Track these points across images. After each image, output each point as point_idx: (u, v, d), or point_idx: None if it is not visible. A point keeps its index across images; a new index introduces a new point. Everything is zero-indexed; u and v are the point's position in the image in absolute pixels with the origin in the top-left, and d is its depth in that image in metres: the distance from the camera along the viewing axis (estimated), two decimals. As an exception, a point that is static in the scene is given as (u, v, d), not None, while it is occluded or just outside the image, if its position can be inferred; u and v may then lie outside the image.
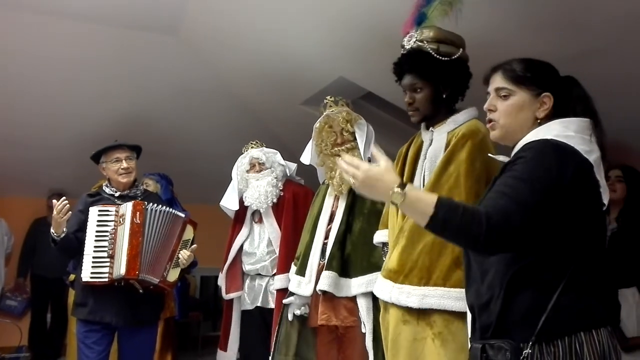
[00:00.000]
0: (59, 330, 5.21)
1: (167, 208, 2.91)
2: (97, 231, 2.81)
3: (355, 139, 2.75)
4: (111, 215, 2.83)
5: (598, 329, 1.31)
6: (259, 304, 3.26)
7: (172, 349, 4.02)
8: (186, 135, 4.96)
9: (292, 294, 2.78)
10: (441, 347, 1.89)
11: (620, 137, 2.81)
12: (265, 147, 3.43)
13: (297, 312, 2.74)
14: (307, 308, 2.74)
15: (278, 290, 3.11)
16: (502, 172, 1.44)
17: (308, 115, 3.99)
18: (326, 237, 2.74)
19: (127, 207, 2.81)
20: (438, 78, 2.05)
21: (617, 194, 2.82)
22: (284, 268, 3.12)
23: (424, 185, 2.06)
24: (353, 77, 3.54)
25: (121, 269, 2.72)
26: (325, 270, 2.62)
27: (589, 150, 1.38)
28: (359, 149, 2.72)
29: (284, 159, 3.41)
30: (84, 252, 2.78)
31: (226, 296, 3.37)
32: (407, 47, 2.09)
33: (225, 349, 3.38)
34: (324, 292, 2.59)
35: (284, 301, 2.83)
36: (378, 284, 2.16)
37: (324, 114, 2.80)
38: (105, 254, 2.77)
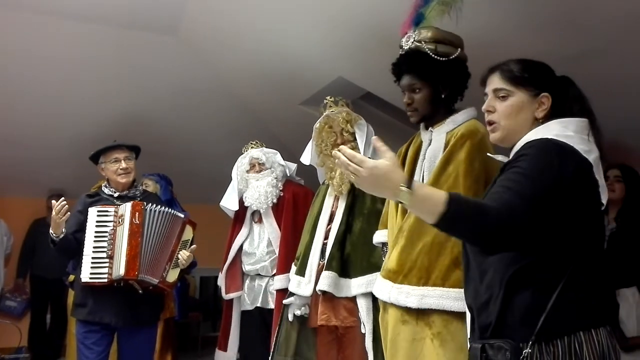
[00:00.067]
0: (59, 330, 5.21)
1: (166, 208, 2.91)
2: (96, 232, 2.81)
3: (355, 139, 2.75)
4: (110, 215, 2.83)
5: (597, 329, 1.31)
6: (258, 305, 3.25)
7: (172, 349, 4.02)
8: (186, 135, 4.96)
9: (292, 294, 2.78)
10: (440, 347, 1.89)
11: (620, 137, 2.82)
12: (265, 147, 3.43)
13: (297, 312, 2.74)
14: (307, 308, 2.74)
15: (278, 291, 3.11)
16: (502, 172, 1.44)
17: (307, 115, 3.99)
18: (326, 237, 2.74)
19: (126, 208, 2.81)
20: (436, 78, 2.05)
21: (616, 194, 2.82)
22: (283, 268, 3.12)
23: (423, 186, 2.06)
24: (352, 77, 3.54)
25: (120, 269, 2.72)
26: (325, 270, 2.62)
27: (588, 150, 1.38)
28: (359, 149, 2.72)
29: (283, 159, 3.41)
30: (83, 253, 2.78)
31: (226, 296, 3.37)
32: (405, 47, 2.09)
33: (223, 349, 3.38)
34: (324, 292, 2.59)
35: (284, 301, 2.83)
36: (377, 284, 2.16)
37: (324, 114, 2.80)
38: (104, 255, 2.77)
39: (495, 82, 1.52)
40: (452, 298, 1.88)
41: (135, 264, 2.73)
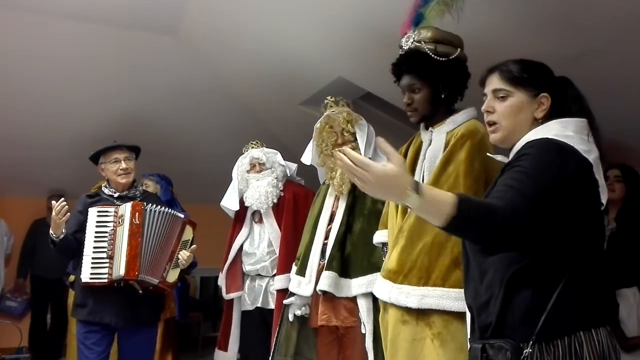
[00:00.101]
0: (59, 331, 5.21)
1: (166, 208, 2.91)
2: (96, 232, 2.81)
3: (356, 139, 2.75)
4: (110, 216, 2.83)
5: (597, 329, 1.31)
6: (259, 305, 3.25)
7: (172, 349, 4.02)
8: (186, 135, 4.96)
9: (292, 294, 2.78)
10: (440, 347, 1.89)
11: (620, 137, 2.82)
12: (266, 147, 3.43)
13: (298, 312, 2.74)
14: (308, 308, 2.74)
15: (278, 291, 3.11)
16: (502, 172, 1.44)
17: (307, 116, 4.00)
18: (326, 238, 2.73)
19: (126, 208, 2.81)
20: (436, 78, 2.05)
21: (616, 194, 2.82)
22: (283, 268, 3.12)
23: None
24: (352, 78, 3.54)
25: (120, 269, 2.72)
26: (325, 270, 2.62)
27: (588, 150, 1.39)
28: (359, 150, 2.72)
29: (283, 159, 3.41)
30: (84, 253, 2.78)
31: (226, 296, 3.37)
32: (405, 47, 2.09)
33: (223, 349, 3.38)
34: (324, 293, 2.59)
35: (285, 302, 2.83)
36: (377, 284, 2.16)
37: (325, 114, 2.80)
38: (104, 255, 2.77)
39: (495, 82, 1.52)
40: (452, 298, 1.88)
41: (135, 264, 2.73)
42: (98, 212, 2.84)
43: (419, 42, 2.05)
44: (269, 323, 3.17)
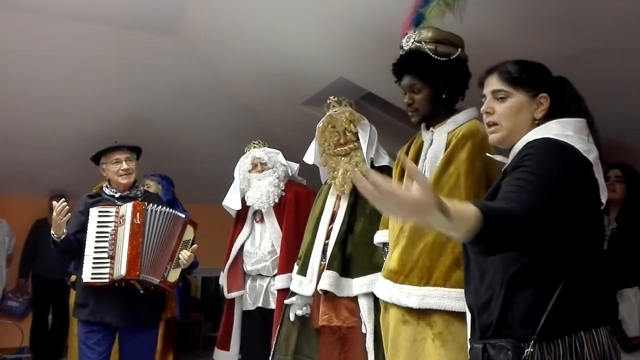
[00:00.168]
0: (60, 331, 5.21)
1: (167, 208, 2.91)
2: (97, 232, 2.81)
3: (358, 139, 2.75)
4: (111, 216, 2.84)
5: (598, 328, 1.31)
6: (260, 305, 3.25)
7: (174, 349, 4.03)
8: (186, 135, 4.96)
9: (294, 294, 2.78)
10: (441, 347, 1.89)
11: (620, 137, 2.82)
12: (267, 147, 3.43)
13: (299, 312, 2.74)
14: (309, 308, 2.74)
15: (279, 291, 3.11)
16: (504, 174, 1.43)
17: (308, 116, 4.00)
18: (327, 237, 2.73)
19: (127, 208, 2.82)
20: (437, 78, 2.05)
21: (617, 194, 2.82)
22: (284, 268, 3.12)
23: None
24: (353, 78, 3.54)
25: (122, 269, 2.72)
26: (326, 270, 2.62)
27: (588, 150, 1.39)
28: (361, 149, 2.72)
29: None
30: (85, 253, 2.78)
31: (228, 295, 3.37)
32: (406, 48, 2.09)
33: (223, 348, 3.38)
34: (325, 292, 2.59)
35: (286, 301, 2.83)
36: (378, 284, 2.16)
37: (327, 113, 2.80)
38: (105, 255, 2.77)
39: (494, 83, 1.53)
40: (453, 298, 1.88)
41: (136, 264, 2.73)
42: (99, 212, 2.85)
43: (419, 42, 2.05)
44: (269, 323, 3.17)
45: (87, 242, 2.79)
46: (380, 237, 2.42)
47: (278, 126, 4.76)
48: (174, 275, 2.86)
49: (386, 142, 2.90)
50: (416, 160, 2.16)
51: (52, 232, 2.76)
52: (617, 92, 2.61)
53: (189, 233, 2.93)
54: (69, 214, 2.72)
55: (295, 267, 2.88)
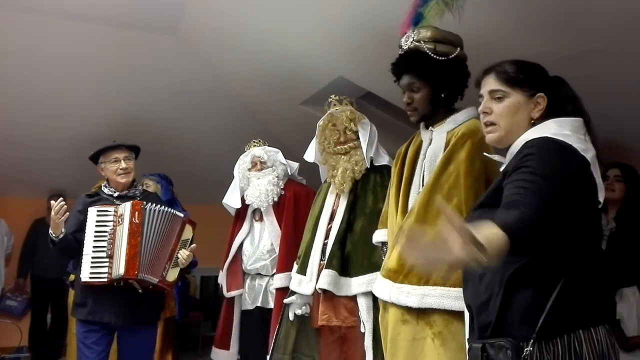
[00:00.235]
0: (59, 330, 5.21)
1: (166, 208, 2.91)
2: (96, 231, 2.81)
3: (358, 138, 2.75)
4: (110, 215, 2.83)
5: (596, 327, 1.32)
6: (259, 304, 3.25)
7: (172, 349, 4.02)
8: (186, 135, 4.96)
9: (293, 293, 2.78)
10: (441, 346, 1.89)
11: (619, 137, 2.82)
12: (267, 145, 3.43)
13: (298, 311, 2.74)
14: (308, 308, 2.74)
15: (278, 290, 3.11)
16: (504, 174, 1.43)
17: (307, 115, 4.00)
18: (327, 237, 2.73)
19: (126, 207, 2.81)
20: (436, 77, 2.05)
21: (616, 194, 2.82)
22: (283, 267, 3.12)
23: (423, 185, 2.06)
24: (352, 77, 3.54)
25: (120, 269, 2.72)
26: (325, 268, 2.62)
27: (585, 149, 1.39)
28: (361, 148, 2.73)
29: (283, 158, 3.41)
30: (83, 253, 2.77)
31: (227, 294, 3.37)
32: (405, 47, 2.09)
33: (220, 347, 3.38)
34: (324, 291, 2.59)
35: (285, 300, 2.83)
36: (377, 283, 2.16)
37: (328, 112, 2.80)
38: (104, 254, 2.77)
39: (491, 83, 1.53)
40: (453, 297, 1.88)
41: (135, 263, 2.73)
42: (98, 211, 2.84)
43: (418, 41, 2.05)
44: (268, 322, 3.17)
45: (85, 242, 2.79)
46: (379, 236, 2.42)
47: (278, 126, 4.76)
48: (172, 275, 2.86)
49: (385, 141, 2.90)
50: (415, 159, 2.16)
51: (50, 231, 2.76)
52: (617, 92, 2.61)
53: (188, 232, 2.93)
54: (67, 213, 2.72)
55: (295, 266, 2.87)
